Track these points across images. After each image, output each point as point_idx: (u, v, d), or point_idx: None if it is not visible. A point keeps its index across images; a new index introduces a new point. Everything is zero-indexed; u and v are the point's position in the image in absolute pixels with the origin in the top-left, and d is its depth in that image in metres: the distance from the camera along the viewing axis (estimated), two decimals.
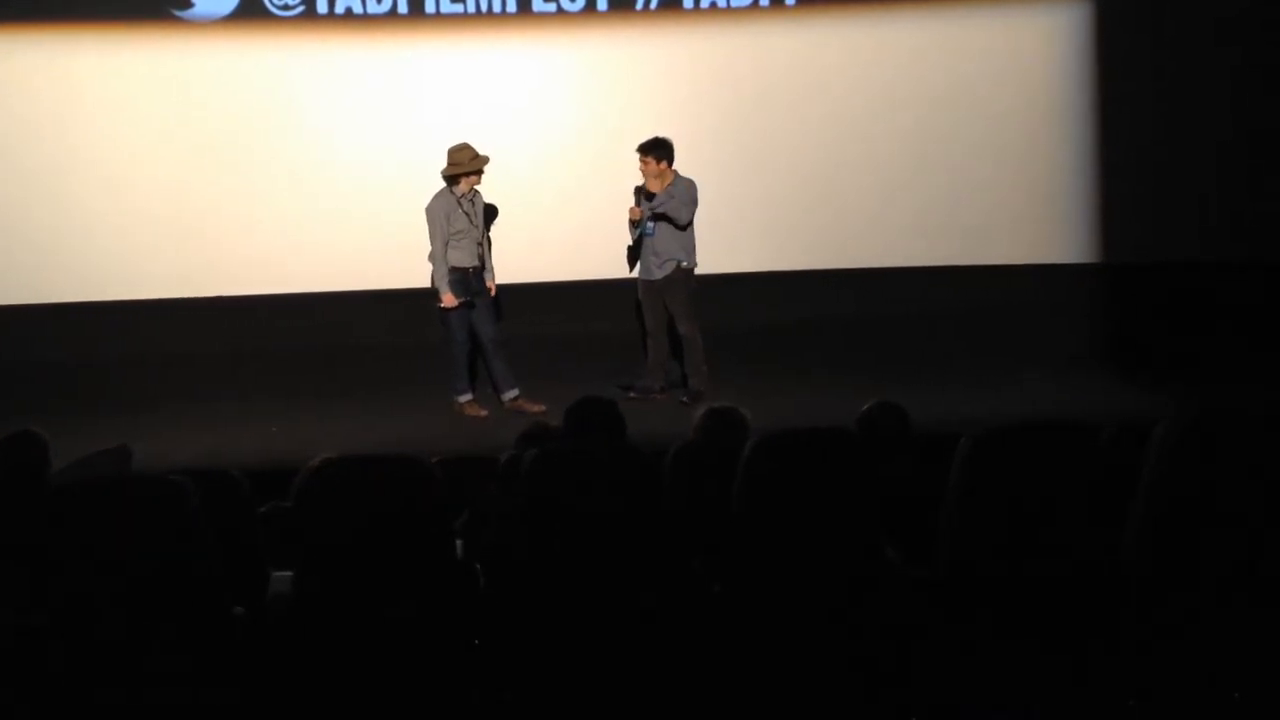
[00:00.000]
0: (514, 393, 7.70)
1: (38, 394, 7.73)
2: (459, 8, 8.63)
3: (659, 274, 7.71)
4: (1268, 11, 8.62)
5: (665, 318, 7.78)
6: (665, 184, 7.64)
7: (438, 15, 8.61)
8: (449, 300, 7.49)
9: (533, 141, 8.61)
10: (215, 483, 3.81)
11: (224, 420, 7.69)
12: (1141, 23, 8.72)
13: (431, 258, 7.54)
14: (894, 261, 8.83)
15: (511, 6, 8.65)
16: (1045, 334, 8.61)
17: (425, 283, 7.65)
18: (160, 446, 6.54)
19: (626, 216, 7.72)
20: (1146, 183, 8.73)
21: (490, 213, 7.82)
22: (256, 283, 8.52)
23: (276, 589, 3.82)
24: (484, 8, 8.64)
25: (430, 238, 7.49)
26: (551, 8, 8.70)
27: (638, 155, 7.59)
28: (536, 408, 7.48)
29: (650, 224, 7.66)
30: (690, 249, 7.70)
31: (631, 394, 7.72)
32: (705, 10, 8.77)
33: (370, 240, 8.46)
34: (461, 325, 7.59)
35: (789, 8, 8.81)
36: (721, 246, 8.33)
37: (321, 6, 8.52)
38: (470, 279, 7.56)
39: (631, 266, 7.90)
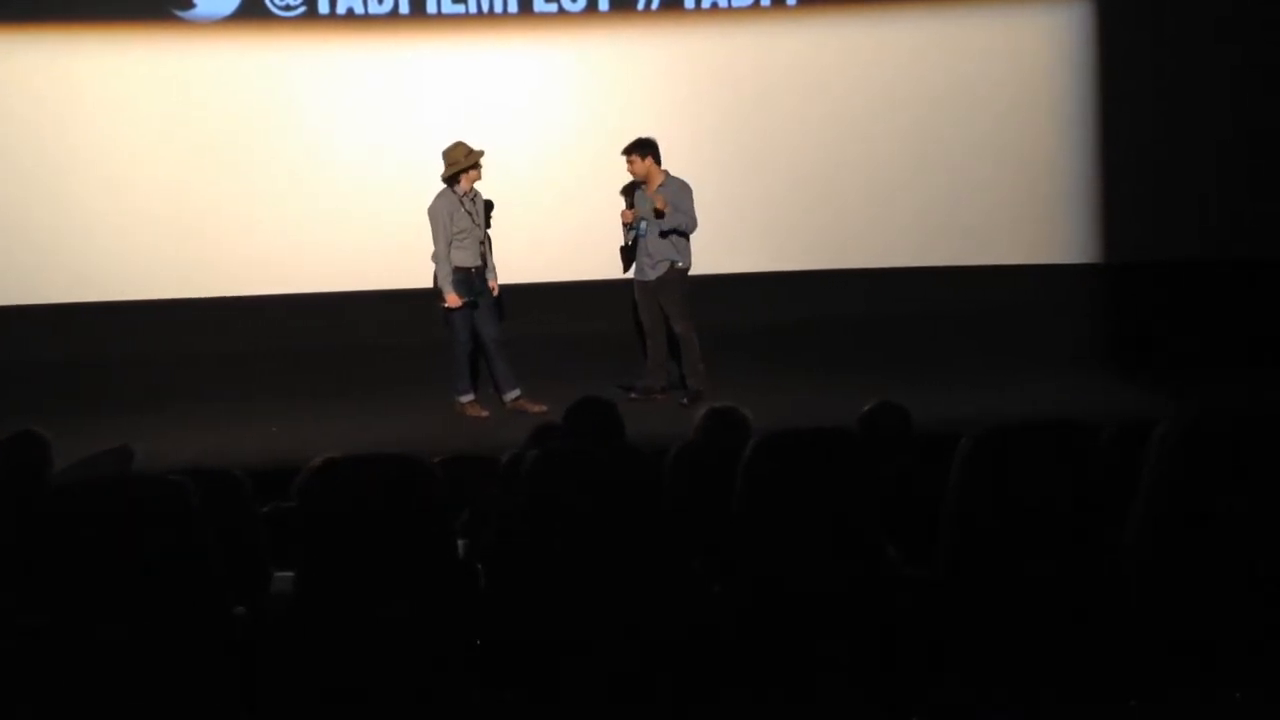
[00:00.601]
0: (515, 393, 7.70)
1: (38, 394, 7.74)
2: (460, 8, 8.63)
3: (653, 274, 7.73)
4: (1268, 11, 8.62)
5: (662, 317, 7.79)
6: (656, 184, 7.65)
7: (439, 15, 8.61)
8: (453, 300, 7.50)
9: (534, 141, 8.61)
10: (217, 482, 3.82)
11: (225, 420, 7.69)
12: (1142, 22, 8.72)
13: (435, 258, 7.54)
14: (894, 261, 8.84)
15: (513, 7, 8.65)
16: (1046, 334, 8.61)
17: (427, 283, 7.65)
18: (162, 446, 6.55)
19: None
20: (1147, 182, 8.73)
21: (490, 211, 7.83)
22: (258, 283, 8.52)
23: (278, 589, 3.83)
24: (485, 8, 8.64)
25: (433, 238, 7.50)
26: (553, 8, 8.71)
27: (623, 157, 7.61)
28: (538, 408, 7.49)
29: (643, 224, 7.68)
30: (684, 249, 7.72)
31: (633, 395, 7.73)
32: (706, 10, 8.77)
33: (371, 240, 8.46)
34: (464, 325, 7.60)
35: (790, 8, 8.81)
36: (722, 246, 8.33)
37: (323, 7, 8.52)
38: (473, 279, 7.57)
39: (626, 267, 7.92)
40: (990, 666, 3.57)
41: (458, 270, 7.50)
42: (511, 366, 7.71)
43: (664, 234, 7.62)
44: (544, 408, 7.39)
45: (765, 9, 8.80)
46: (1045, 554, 3.58)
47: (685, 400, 7.60)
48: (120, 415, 7.49)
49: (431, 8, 8.59)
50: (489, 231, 7.78)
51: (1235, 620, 3.52)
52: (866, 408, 4.44)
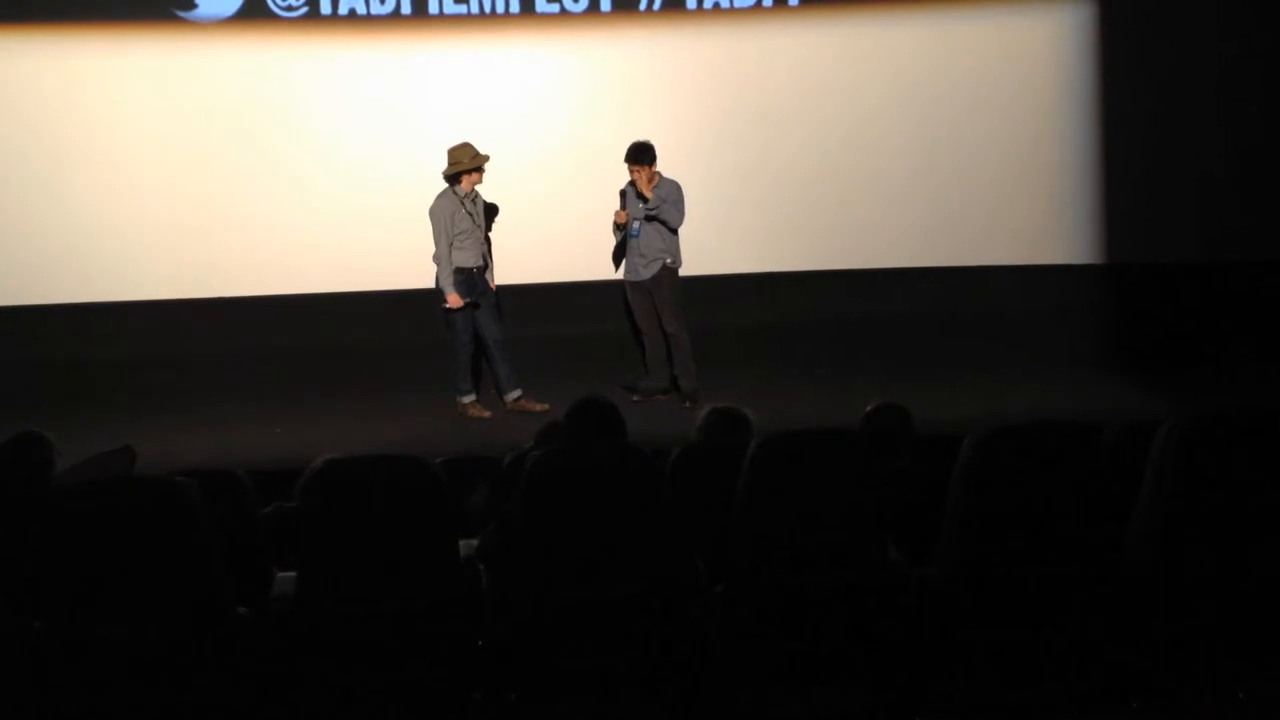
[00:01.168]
0: (517, 393, 7.70)
1: (39, 394, 7.75)
2: (462, 8, 8.63)
3: (645, 274, 7.74)
4: (1269, 12, 8.62)
5: (657, 317, 7.80)
6: (652, 185, 7.66)
7: (441, 16, 8.61)
8: (455, 301, 7.50)
9: (535, 141, 8.60)
10: (219, 483, 3.82)
11: (228, 421, 7.69)
12: (1143, 23, 8.71)
13: (436, 258, 7.54)
14: (896, 262, 8.83)
15: (514, 7, 8.65)
16: (1047, 334, 8.61)
17: (428, 283, 7.65)
18: (164, 447, 6.55)
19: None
20: (1149, 183, 8.72)
21: (491, 211, 7.83)
22: (261, 283, 8.52)
23: (280, 589, 3.83)
24: (487, 8, 8.64)
25: (435, 239, 7.49)
26: (554, 8, 8.71)
27: (627, 166, 7.62)
28: (540, 407, 7.49)
29: (636, 224, 7.69)
30: (675, 248, 7.73)
31: (635, 397, 7.74)
32: (708, 11, 8.76)
33: (373, 241, 8.46)
34: (466, 326, 7.60)
35: (792, 8, 8.81)
36: (723, 246, 8.33)
37: (325, 7, 8.52)
38: (475, 279, 7.57)
39: (617, 267, 7.93)
40: (992, 666, 3.57)
41: (459, 271, 7.50)
42: (513, 367, 7.72)
43: (648, 218, 7.62)
44: (546, 407, 7.39)
45: (767, 9, 8.79)
46: (1047, 554, 3.58)
47: (686, 404, 7.60)
48: (122, 415, 7.49)
49: (433, 8, 8.59)
50: (489, 233, 7.79)
51: (1237, 620, 3.52)
52: (868, 408, 4.43)
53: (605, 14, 8.74)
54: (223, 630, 3.48)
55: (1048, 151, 8.88)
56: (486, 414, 7.68)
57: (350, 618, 3.49)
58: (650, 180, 7.64)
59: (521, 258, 8.13)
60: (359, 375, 8.38)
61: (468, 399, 7.73)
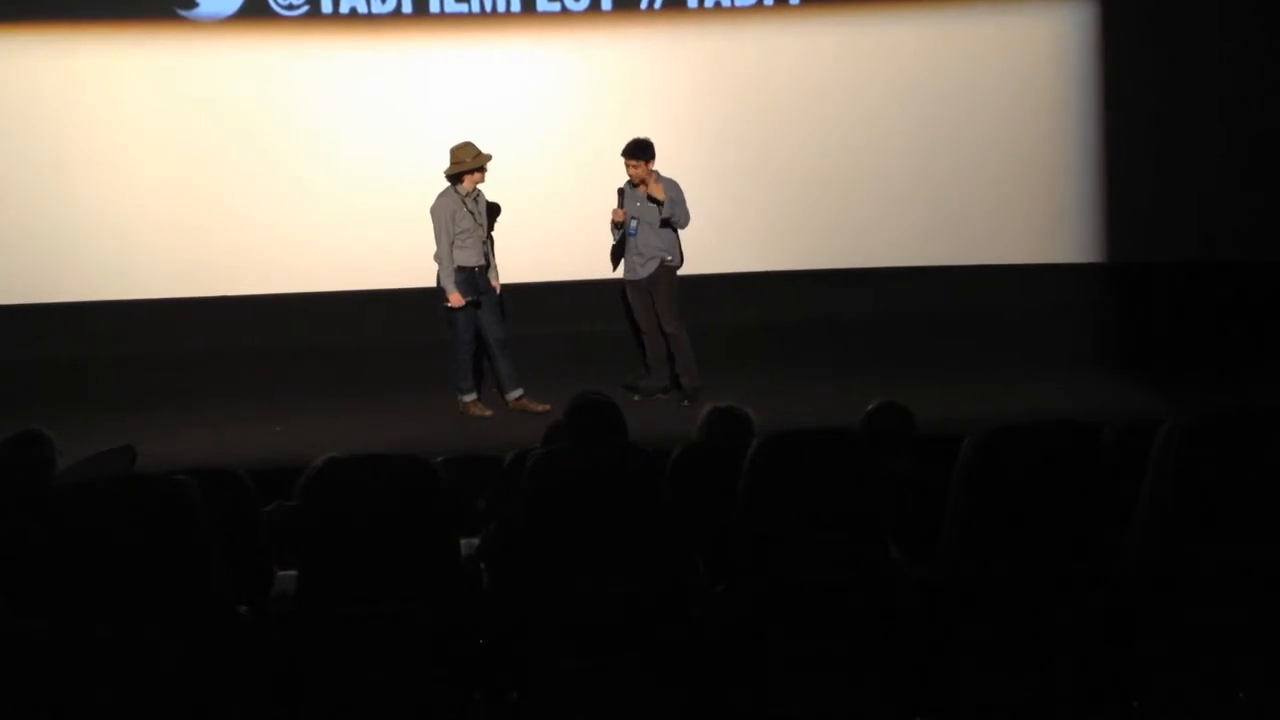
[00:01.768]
0: (518, 392, 7.70)
1: (39, 394, 7.75)
2: (463, 7, 8.63)
3: (644, 272, 7.74)
4: (1270, 11, 8.61)
5: (656, 316, 7.80)
6: (652, 183, 7.64)
7: (442, 15, 8.62)
8: (456, 300, 7.50)
9: (537, 140, 8.61)
10: (220, 482, 3.82)
11: (228, 420, 7.70)
12: (1145, 23, 8.71)
13: (437, 257, 7.54)
14: (897, 261, 8.84)
15: (515, 6, 8.65)
16: (1048, 334, 8.61)
17: (429, 282, 7.65)
18: (165, 446, 6.56)
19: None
20: (1150, 182, 8.73)
21: (493, 211, 7.83)
22: (261, 282, 8.53)
23: (281, 588, 3.83)
24: (488, 7, 8.64)
25: (436, 238, 7.49)
26: (555, 7, 8.71)
27: (625, 160, 7.61)
28: (541, 407, 7.49)
29: (634, 223, 7.69)
30: (675, 246, 7.73)
31: (637, 397, 7.75)
32: (709, 9, 8.77)
33: (374, 239, 8.47)
34: (468, 325, 7.60)
35: (793, 7, 8.81)
36: (724, 246, 8.33)
37: (326, 6, 8.52)
38: (477, 278, 7.57)
39: (615, 267, 7.93)
40: (993, 666, 3.57)
41: (460, 270, 7.50)
42: (515, 366, 7.72)
43: (662, 224, 7.63)
44: (547, 407, 7.39)
45: (768, 8, 8.80)
46: (1048, 554, 3.58)
47: (685, 402, 7.60)
48: (123, 414, 7.49)
49: (434, 7, 8.60)
50: (491, 232, 7.78)
51: (1238, 620, 3.52)
52: (869, 407, 4.43)
53: (606, 13, 8.74)
54: (223, 630, 3.48)
55: (1048, 151, 8.88)
56: (488, 413, 7.68)
57: (351, 617, 3.49)
58: (649, 178, 7.64)
59: (522, 257, 8.13)
60: (359, 374, 8.38)
61: (469, 398, 7.73)
